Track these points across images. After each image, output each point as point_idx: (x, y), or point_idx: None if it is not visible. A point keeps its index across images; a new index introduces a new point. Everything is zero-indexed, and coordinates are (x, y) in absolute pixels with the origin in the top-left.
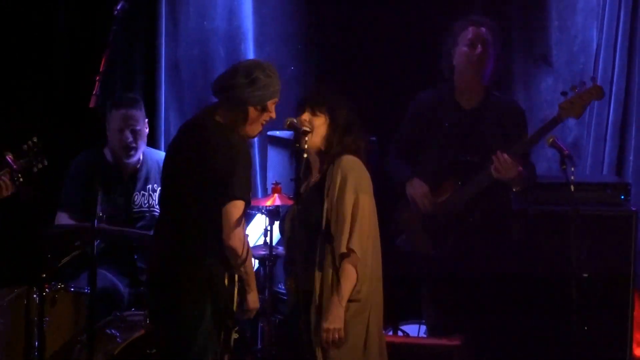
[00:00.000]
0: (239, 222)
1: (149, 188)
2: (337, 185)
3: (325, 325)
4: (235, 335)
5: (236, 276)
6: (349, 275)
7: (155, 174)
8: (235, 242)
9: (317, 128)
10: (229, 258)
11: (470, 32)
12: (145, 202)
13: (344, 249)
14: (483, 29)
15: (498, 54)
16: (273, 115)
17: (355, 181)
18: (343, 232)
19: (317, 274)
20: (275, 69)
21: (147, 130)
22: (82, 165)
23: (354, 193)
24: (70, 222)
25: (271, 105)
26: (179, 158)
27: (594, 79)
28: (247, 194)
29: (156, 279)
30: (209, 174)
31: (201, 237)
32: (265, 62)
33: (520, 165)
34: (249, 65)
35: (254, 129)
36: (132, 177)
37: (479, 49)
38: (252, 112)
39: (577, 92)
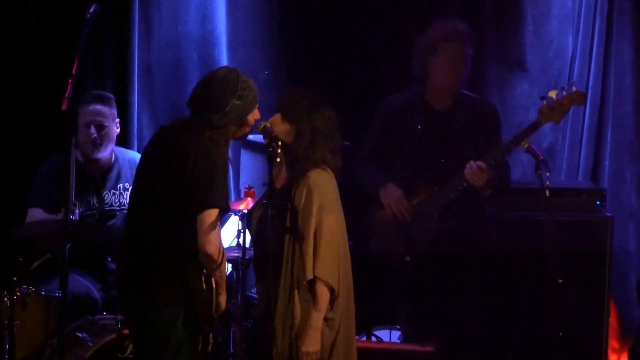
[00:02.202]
0: (213, 228)
1: (120, 187)
2: (302, 203)
3: (303, 348)
4: (211, 341)
5: (213, 280)
6: (320, 299)
7: (127, 173)
8: (211, 249)
9: (281, 133)
10: (204, 264)
11: (450, 45)
12: (117, 200)
13: (310, 276)
14: (463, 42)
15: (470, 58)
16: (257, 117)
17: (319, 201)
18: (307, 254)
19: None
20: (247, 77)
21: (117, 130)
22: (53, 165)
23: (318, 215)
24: (44, 215)
25: (251, 115)
26: (155, 162)
27: (574, 84)
28: (224, 202)
29: (129, 283)
30: (186, 182)
31: (177, 243)
32: (235, 77)
33: (491, 172)
34: (220, 94)
35: (240, 134)
36: (102, 176)
37: (460, 63)
38: (231, 129)
39: (557, 97)
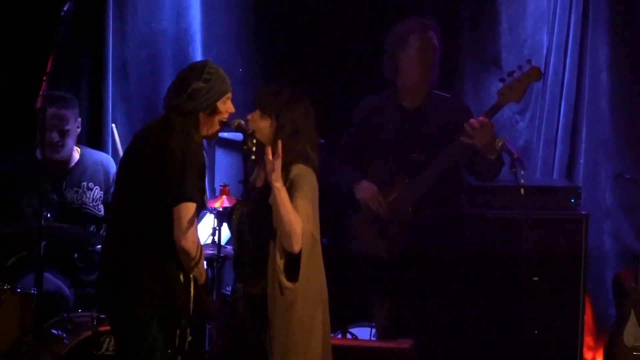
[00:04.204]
0: (190, 224)
1: (83, 185)
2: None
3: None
4: (189, 338)
5: (192, 276)
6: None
7: (93, 173)
8: (187, 243)
9: (262, 130)
10: (182, 259)
11: (419, 36)
12: (78, 198)
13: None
14: (431, 33)
15: (439, 54)
16: (231, 109)
17: (300, 189)
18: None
19: (269, 278)
20: (217, 66)
21: (78, 129)
22: (8, 163)
23: (296, 199)
24: None
25: (222, 104)
26: (132, 164)
27: (529, 60)
28: (198, 195)
29: (108, 280)
30: (161, 176)
31: (153, 239)
32: (203, 64)
33: (494, 131)
34: (185, 77)
35: (210, 130)
36: (62, 174)
37: (430, 54)
38: (202, 117)
39: (515, 76)
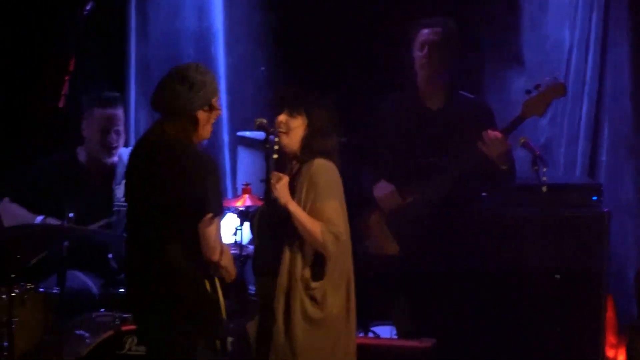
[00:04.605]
0: (216, 237)
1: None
2: (304, 191)
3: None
4: (230, 339)
5: (217, 281)
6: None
7: None
8: (215, 256)
9: (294, 130)
10: (211, 269)
11: (420, 35)
12: (122, 196)
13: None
14: (426, 31)
15: (457, 53)
16: (220, 111)
17: (325, 186)
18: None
19: (284, 275)
20: (205, 66)
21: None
22: (51, 165)
23: (324, 199)
24: (18, 208)
25: (215, 102)
26: (144, 177)
27: (555, 77)
28: (220, 207)
29: (137, 300)
30: (181, 189)
31: (176, 251)
32: (193, 63)
33: (507, 143)
34: (179, 71)
35: (206, 130)
36: (107, 175)
37: (440, 52)
38: (201, 115)
39: (540, 90)
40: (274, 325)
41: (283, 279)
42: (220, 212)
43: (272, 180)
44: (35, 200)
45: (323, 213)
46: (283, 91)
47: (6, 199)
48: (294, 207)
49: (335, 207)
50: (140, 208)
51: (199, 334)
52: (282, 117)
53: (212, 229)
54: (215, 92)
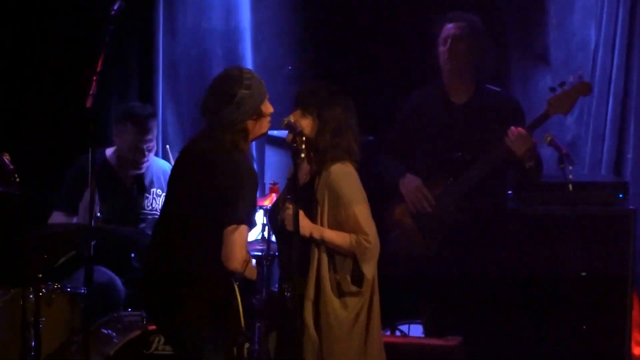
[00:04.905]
0: (241, 247)
1: (153, 192)
2: (326, 202)
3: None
4: (247, 345)
5: (236, 286)
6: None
7: (159, 179)
8: (233, 264)
9: (304, 128)
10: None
11: (444, 29)
12: (149, 204)
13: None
14: (450, 25)
15: (481, 48)
16: (271, 109)
17: (348, 194)
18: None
19: (312, 278)
20: (249, 69)
21: None
22: (84, 166)
23: (350, 207)
24: (65, 220)
25: (264, 107)
26: (183, 176)
27: (580, 76)
28: (249, 217)
29: (156, 300)
30: (214, 197)
31: (203, 257)
32: (238, 71)
33: (533, 140)
34: (227, 87)
35: (260, 131)
36: (136, 180)
37: (462, 46)
38: (250, 124)
39: (565, 88)
40: (303, 331)
41: (311, 282)
42: (249, 223)
43: (283, 212)
44: (74, 201)
45: (352, 220)
46: (300, 89)
47: (57, 212)
48: (319, 232)
49: (362, 212)
50: (174, 209)
51: (216, 339)
52: (292, 116)
53: (238, 237)
54: (262, 98)
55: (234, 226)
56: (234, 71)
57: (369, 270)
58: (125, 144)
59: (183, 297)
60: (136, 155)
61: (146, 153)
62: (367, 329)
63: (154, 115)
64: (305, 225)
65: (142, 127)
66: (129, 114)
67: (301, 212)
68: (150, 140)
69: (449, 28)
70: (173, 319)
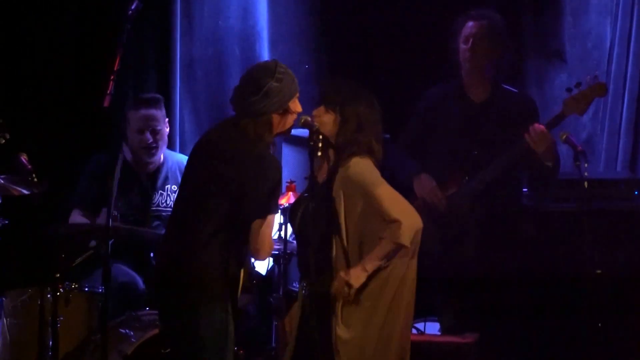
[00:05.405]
0: (269, 236)
1: (167, 188)
2: (345, 195)
3: (344, 276)
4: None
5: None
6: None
7: (175, 175)
8: (263, 255)
9: (325, 124)
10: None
11: (465, 28)
12: (164, 201)
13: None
14: (470, 23)
15: (502, 46)
16: (299, 109)
17: (368, 180)
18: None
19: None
20: (285, 65)
21: (167, 129)
22: (100, 164)
23: (371, 192)
24: (84, 220)
25: (292, 104)
26: (203, 166)
27: (596, 76)
28: (275, 208)
29: (166, 284)
30: (238, 187)
31: (220, 240)
32: (274, 64)
33: (552, 138)
34: (258, 77)
35: (284, 127)
36: (150, 177)
37: (481, 44)
38: (275, 118)
39: (581, 89)
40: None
41: (329, 277)
42: (275, 213)
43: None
44: (95, 200)
45: (376, 204)
46: (322, 84)
47: (75, 211)
48: (363, 267)
49: (383, 192)
50: (191, 191)
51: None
52: (316, 111)
53: (266, 229)
54: (292, 94)
55: (264, 218)
56: (269, 63)
57: (406, 239)
58: (133, 131)
59: (198, 275)
60: (142, 139)
61: (150, 136)
62: (394, 300)
63: (157, 99)
64: (354, 275)
65: (143, 109)
66: (133, 101)
67: (352, 270)
68: (155, 124)
69: (471, 26)
70: (180, 316)
